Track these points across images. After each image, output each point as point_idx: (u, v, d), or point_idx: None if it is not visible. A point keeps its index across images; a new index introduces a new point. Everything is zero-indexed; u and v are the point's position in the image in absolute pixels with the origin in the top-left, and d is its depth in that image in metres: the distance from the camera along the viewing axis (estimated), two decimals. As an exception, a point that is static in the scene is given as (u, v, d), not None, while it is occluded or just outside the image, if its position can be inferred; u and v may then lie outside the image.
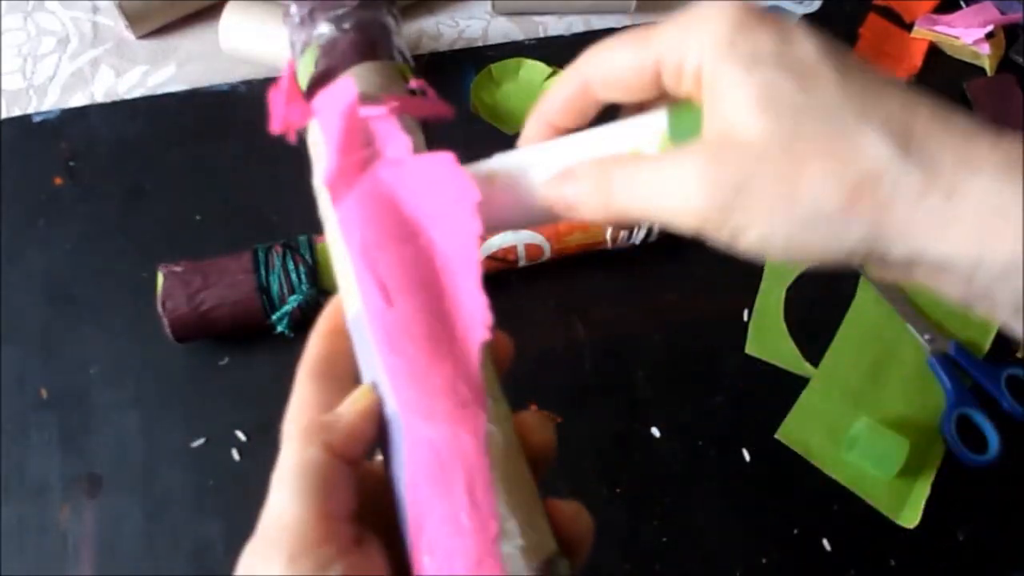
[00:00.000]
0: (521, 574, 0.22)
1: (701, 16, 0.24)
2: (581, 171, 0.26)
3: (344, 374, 0.27)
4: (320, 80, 0.30)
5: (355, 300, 0.26)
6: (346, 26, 0.31)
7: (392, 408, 0.24)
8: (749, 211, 0.22)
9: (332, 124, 0.28)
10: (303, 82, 0.31)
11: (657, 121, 0.27)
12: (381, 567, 0.23)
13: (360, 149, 0.27)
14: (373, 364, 0.25)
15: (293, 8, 0.33)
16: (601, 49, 0.27)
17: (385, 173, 0.27)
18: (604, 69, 0.27)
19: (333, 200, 0.28)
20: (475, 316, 0.25)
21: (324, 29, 0.32)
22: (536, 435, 0.27)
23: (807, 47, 0.23)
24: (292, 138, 0.30)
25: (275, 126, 0.30)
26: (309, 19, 0.33)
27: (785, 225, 0.22)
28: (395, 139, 0.27)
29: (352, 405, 0.24)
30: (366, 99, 0.28)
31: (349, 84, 0.28)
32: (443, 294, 0.25)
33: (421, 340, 0.24)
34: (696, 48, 0.24)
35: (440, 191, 0.26)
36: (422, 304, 0.25)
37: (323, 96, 0.29)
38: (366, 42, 0.31)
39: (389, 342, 0.24)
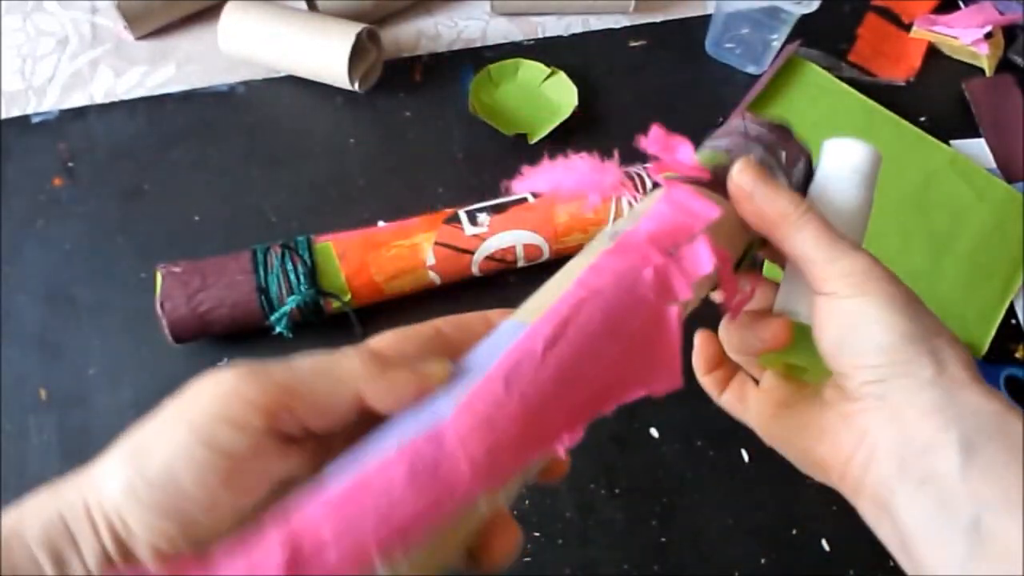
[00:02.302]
0: None
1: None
2: None
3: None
4: (712, 182, 0.31)
5: (531, 315, 0.26)
6: (770, 160, 0.34)
7: (432, 422, 0.23)
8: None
9: (679, 215, 0.29)
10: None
11: None
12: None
13: (670, 244, 0.28)
14: (475, 368, 0.24)
15: (752, 125, 0.35)
16: None
17: (669, 274, 0.27)
18: None
19: (617, 250, 0.28)
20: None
21: (757, 153, 0.34)
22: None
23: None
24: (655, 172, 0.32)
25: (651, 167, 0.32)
26: (754, 140, 0.35)
27: None
28: (698, 260, 0.27)
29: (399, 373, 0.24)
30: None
31: (713, 209, 0.29)
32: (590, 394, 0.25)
33: (526, 411, 0.23)
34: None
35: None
36: (564, 382, 0.24)
37: (693, 194, 0.30)
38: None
39: (507, 374, 0.24)
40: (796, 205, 0.30)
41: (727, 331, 0.35)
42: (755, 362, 0.35)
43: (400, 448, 0.22)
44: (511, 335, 0.26)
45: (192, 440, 0.22)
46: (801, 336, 0.31)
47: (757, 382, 0.35)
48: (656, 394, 0.27)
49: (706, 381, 0.37)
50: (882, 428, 0.27)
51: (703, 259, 0.27)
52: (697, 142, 0.64)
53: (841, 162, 0.34)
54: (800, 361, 0.32)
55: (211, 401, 0.23)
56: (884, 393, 0.27)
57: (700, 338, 0.37)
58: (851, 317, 0.28)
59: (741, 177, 0.31)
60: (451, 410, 0.23)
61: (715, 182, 0.31)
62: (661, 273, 0.27)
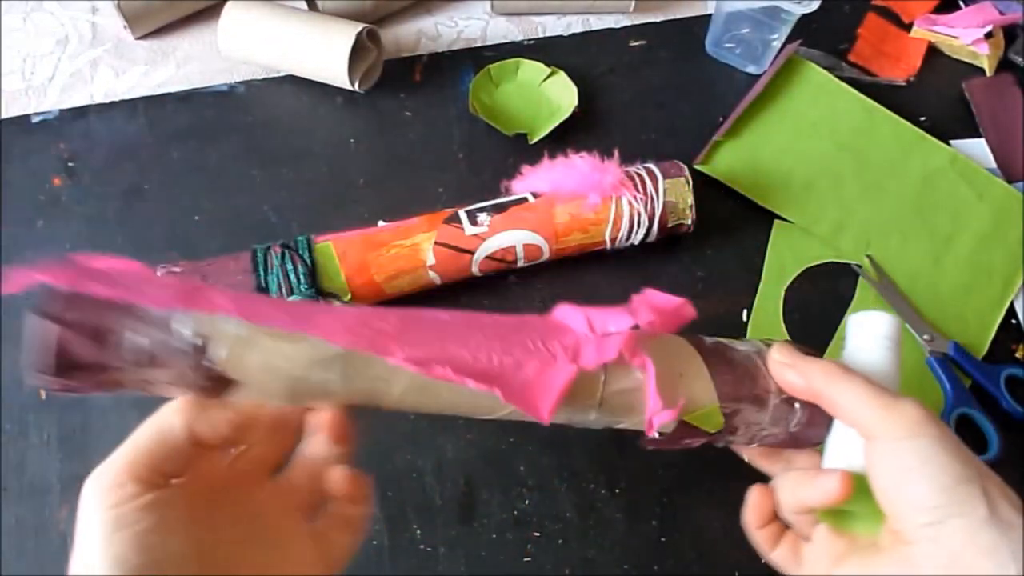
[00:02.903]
0: None
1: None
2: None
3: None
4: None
5: None
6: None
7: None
8: None
9: (616, 314, 0.36)
10: None
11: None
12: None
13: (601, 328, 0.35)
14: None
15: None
16: None
17: (582, 343, 0.35)
18: None
19: (569, 307, 0.37)
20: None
21: None
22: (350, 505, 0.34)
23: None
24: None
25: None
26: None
27: None
28: (608, 349, 0.34)
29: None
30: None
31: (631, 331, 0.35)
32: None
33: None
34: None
35: None
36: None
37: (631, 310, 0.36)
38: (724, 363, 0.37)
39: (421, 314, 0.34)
40: (839, 366, 0.33)
41: (784, 486, 0.36)
42: (808, 520, 0.36)
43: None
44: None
45: (109, 534, 0.28)
46: (857, 486, 0.32)
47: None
48: (522, 410, 0.33)
49: (758, 536, 0.38)
50: (941, 569, 0.28)
51: (610, 350, 0.33)
52: (697, 141, 0.64)
53: (870, 332, 0.38)
54: (857, 509, 0.33)
55: (91, 507, 0.29)
56: (940, 535, 0.29)
57: (754, 494, 0.38)
58: (909, 459, 0.30)
59: (780, 353, 0.36)
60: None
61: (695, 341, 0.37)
62: (578, 341, 0.34)
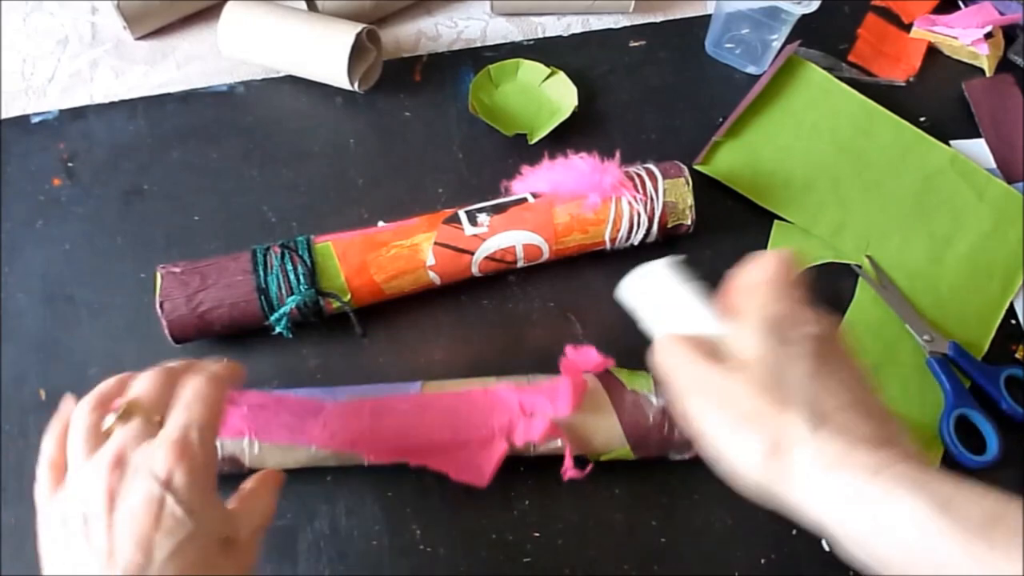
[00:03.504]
0: None
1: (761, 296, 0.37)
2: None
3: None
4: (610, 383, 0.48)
5: (432, 388, 0.48)
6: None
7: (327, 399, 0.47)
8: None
9: (546, 400, 0.46)
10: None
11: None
12: None
13: (531, 409, 0.47)
14: (373, 391, 0.48)
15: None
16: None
17: (515, 424, 0.47)
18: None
19: (503, 389, 0.47)
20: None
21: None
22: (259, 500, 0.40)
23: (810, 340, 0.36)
24: None
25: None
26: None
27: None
28: (534, 431, 0.46)
29: None
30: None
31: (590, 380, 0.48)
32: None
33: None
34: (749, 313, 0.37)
35: None
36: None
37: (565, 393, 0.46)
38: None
39: (375, 405, 0.47)
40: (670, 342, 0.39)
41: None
42: None
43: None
44: (406, 387, 0.48)
45: None
46: None
47: None
48: (457, 479, 0.46)
49: None
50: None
51: (535, 432, 0.45)
52: (697, 141, 0.64)
53: (660, 284, 0.42)
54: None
55: None
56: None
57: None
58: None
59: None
60: (334, 403, 0.46)
61: (615, 387, 0.47)
62: (511, 422, 0.46)
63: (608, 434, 0.46)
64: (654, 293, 0.41)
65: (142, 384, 0.37)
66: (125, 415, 0.36)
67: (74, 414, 0.36)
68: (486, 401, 0.47)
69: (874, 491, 0.31)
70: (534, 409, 0.46)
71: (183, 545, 0.32)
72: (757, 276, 0.38)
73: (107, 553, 0.31)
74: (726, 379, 0.35)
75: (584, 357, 0.47)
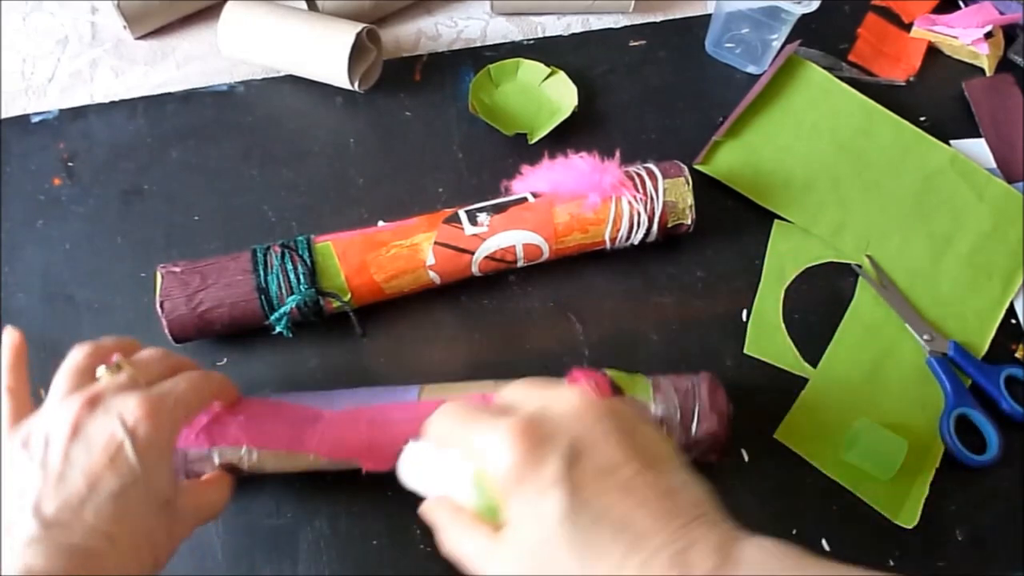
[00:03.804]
0: None
1: (490, 450, 0.33)
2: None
3: None
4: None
5: (429, 393, 0.48)
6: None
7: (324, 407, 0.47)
8: None
9: None
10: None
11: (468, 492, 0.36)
12: None
13: None
14: (365, 398, 0.48)
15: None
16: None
17: None
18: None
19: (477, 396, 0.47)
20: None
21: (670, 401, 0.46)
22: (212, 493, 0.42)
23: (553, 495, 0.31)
24: None
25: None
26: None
27: None
28: None
29: None
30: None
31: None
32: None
33: None
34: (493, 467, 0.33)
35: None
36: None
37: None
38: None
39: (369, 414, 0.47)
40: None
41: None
42: None
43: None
44: (404, 392, 0.47)
45: None
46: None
47: None
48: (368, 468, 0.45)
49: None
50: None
51: None
52: (697, 141, 0.64)
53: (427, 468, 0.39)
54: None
55: None
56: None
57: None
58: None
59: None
60: (332, 412, 0.46)
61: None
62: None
63: None
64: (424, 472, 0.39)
65: (144, 352, 0.41)
66: (116, 369, 0.39)
67: (71, 353, 0.39)
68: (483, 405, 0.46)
69: None
70: None
71: (127, 490, 0.34)
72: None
73: (57, 476, 0.34)
74: (491, 558, 0.33)
75: (590, 378, 0.45)
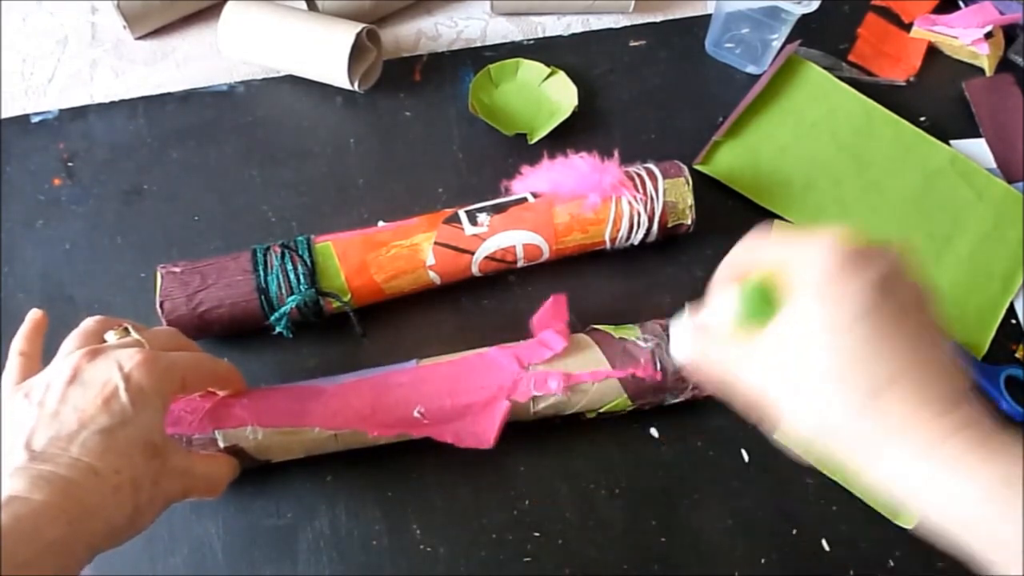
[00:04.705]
0: None
1: (807, 252, 0.33)
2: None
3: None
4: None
5: (428, 360, 0.49)
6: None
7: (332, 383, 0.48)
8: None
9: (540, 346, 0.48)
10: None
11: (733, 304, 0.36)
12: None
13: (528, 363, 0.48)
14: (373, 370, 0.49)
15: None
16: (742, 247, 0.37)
17: (519, 381, 0.47)
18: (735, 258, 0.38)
19: (501, 351, 0.48)
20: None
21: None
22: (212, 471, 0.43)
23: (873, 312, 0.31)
24: None
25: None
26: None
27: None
28: (546, 383, 0.47)
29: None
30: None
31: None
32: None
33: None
34: (796, 273, 0.33)
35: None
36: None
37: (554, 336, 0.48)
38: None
39: (376, 382, 0.48)
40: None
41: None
42: None
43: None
44: (403, 366, 0.48)
45: None
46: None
47: None
48: (461, 445, 0.46)
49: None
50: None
51: (537, 380, 0.46)
52: (697, 141, 0.64)
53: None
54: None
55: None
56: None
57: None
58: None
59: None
60: (334, 386, 0.47)
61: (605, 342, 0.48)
62: (510, 378, 0.46)
63: (603, 385, 0.47)
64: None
65: (155, 328, 0.44)
66: (124, 333, 0.41)
67: (84, 321, 0.42)
68: (482, 363, 0.47)
69: (933, 465, 0.29)
70: (530, 359, 0.47)
71: (115, 429, 0.36)
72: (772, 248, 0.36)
73: (52, 414, 0.36)
74: (783, 347, 0.33)
75: (546, 309, 0.48)
